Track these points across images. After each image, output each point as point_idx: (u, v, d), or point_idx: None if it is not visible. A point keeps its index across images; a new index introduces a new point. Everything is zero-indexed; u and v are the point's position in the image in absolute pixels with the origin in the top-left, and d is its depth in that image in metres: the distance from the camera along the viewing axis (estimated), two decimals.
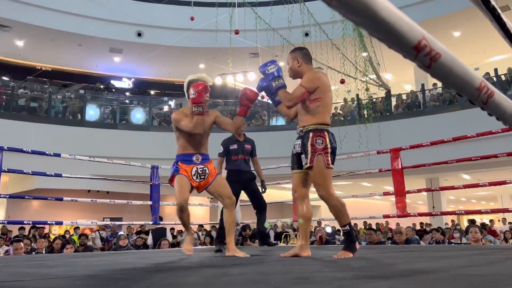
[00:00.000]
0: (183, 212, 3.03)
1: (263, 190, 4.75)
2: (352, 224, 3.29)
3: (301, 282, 1.45)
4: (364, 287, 1.31)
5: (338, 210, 2.67)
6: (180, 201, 2.97)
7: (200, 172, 3.07)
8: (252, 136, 4.88)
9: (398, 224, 10.99)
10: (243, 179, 4.46)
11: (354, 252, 2.65)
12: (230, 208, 3.08)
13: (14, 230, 9.60)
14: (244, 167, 4.52)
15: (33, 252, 6.25)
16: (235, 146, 4.49)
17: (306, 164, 2.70)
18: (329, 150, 2.66)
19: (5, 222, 5.63)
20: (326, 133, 2.69)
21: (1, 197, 4.22)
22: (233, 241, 3.11)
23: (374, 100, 12.62)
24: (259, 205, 4.64)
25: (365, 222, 12.35)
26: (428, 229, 10.48)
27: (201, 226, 10.77)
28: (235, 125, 3.14)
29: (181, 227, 11.30)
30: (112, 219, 13.22)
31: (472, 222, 9.77)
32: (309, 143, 2.69)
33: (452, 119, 10.88)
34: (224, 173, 4.43)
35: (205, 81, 3.07)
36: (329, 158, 2.65)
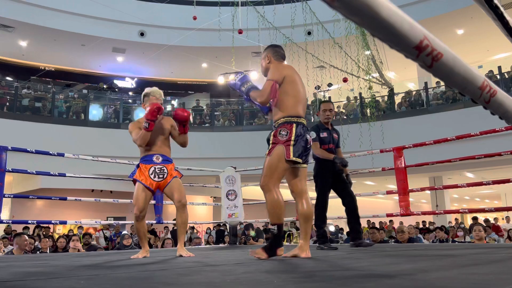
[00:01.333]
0: (138, 221, 3.18)
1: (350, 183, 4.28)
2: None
3: (304, 281, 1.46)
4: (366, 286, 1.31)
5: (270, 207, 2.55)
6: (135, 211, 3.15)
7: (158, 172, 3.20)
8: (254, 135, 4.88)
9: (401, 223, 10.97)
10: (335, 170, 4.04)
11: (271, 256, 2.49)
12: (180, 211, 3.25)
13: (19, 229, 9.64)
14: None
15: (38, 252, 6.28)
16: (325, 134, 4.09)
17: (266, 154, 2.65)
18: (292, 142, 2.54)
19: (10, 221, 5.64)
20: (294, 125, 2.58)
21: (6, 197, 4.24)
22: (183, 241, 3.32)
23: (377, 98, 12.60)
24: (351, 200, 4.08)
25: (368, 221, 12.33)
26: (431, 227, 10.45)
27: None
28: (182, 140, 3.40)
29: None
30: (115, 219, 13.27)
31: (474, 219, 9.73)
32: (272, 133, 2.66)
33: (456, 118, 10.86)
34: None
35: (157, 95, 3.43)
36: (291, 151, 2.53)
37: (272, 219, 2.56)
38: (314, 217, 3.63)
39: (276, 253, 2.52)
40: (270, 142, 2.65)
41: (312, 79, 10.71)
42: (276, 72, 2.65)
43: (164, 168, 3.24)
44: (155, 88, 3.47)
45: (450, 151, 7.46)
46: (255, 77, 16.11)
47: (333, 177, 4.06)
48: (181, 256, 3.14)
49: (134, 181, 3.27)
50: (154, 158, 3.25)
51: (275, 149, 2.58)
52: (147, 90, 3.46)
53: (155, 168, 3.21)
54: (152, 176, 3.19)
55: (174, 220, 3.53)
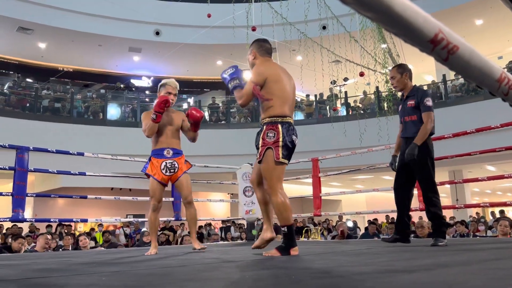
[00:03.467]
0: (154, 211, 3.33)
1: None
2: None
3: (322, 277, 1.46)
4: (385, 281, 1.31)
5: (278, 209, 2.57)
6: (154, 202, 3.32)
7: (169, 167, 3.34)
8: None
9: (420, 217, 10.84)
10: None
11: (285, 255, 2.50)
12: (187, 207, 3.40)
13: (42, 228, 9.87)
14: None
15: (60, 249, 6.42)
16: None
17: (257, 158, 2.67)
18: (281, 143, 2.55)
19: (33, 220, 5.79)
20: (279, 125, 2.57)
21: (28, 196, 4.35)
22: (194, 234, 3.49)
23: (394, 92, 12.44)
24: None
25: (387, 216, 12.22)
26: (451, 222, 10.30)
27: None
28: (192, 136, 3.50)
29: (201, 222, 11.43)
30: (135, 216, 13.45)
31: (501, 213, 9.52)
32: (260, 136, 2.66)
33: (475, 110, 10.65)
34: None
35: (172, 85, 3.47)
36: (280, 152, 2.55)
37: (281, 221, 2.58)
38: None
39: (290, 254, 2.53)
40: (259, 145, 2.65)
41: (327, 73, 10.64)
42: (257, 76, 2.60)
43: (175, 162, 3.36)
44: (171, 80, 3.55)
45: (470, 144, 7.32)
46: None
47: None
48: (194, 249, 3.36)
49: (148, 174, 3.40)
50: (165, 152, 3.36)
51: (266, 154, 2.59)
52: (163, 81, 3.53)
53: (166, 163, 3.34)
54: (164, 171, 3.33)
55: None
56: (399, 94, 3.54)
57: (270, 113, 2.61)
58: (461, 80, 12.17)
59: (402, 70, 3.52)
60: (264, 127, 2.64)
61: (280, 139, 2.56)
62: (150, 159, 3.40)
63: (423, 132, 3.22)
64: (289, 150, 2.60)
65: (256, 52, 2.77)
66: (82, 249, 5.71)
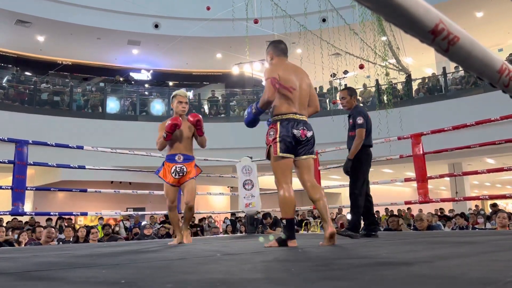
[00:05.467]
0: (171, 211, 3.75)
1: None
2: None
3: (321, 270, 1.46)
4: (384, 274, 1.31)
5: (280, 202, 2.71)
6: (168, 203, 3.72)
7: (178, 170, 3.67)
8: None
9: (420, 210, 10.88)
10: None
11: (283, 246, 2.62)
12: (186, 210, 3.70)
13: (42, 221, 9.89)
14: None
15: (60, 242, 6.44)
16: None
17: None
18: (278, 139, 2.72)
19: (33, 213, 5.79)
20: (278, 123, 2.75)
21: (28, 189, 4.36)
22: (186, 230, 3.82)
23: (394, 85, 12.41)
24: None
25: (386, 209, 12.26)
26: (451, 215, 10.33)
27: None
28: (200, 141, 3.83)
29: (201, 216, 11.46)
30: (135, 209, 13.48)
31: (494, 206, 9.55)
32: (266, 136, 2.86)
33: (475, 103, 10.63)
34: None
35: (182, 95, 3.77)
36: (278, 147, 2.72)
37: (283, 213, 2.71)
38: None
39: (288, 245, 2.64)
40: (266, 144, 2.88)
41: (327, 66, 10.60)
42: (270, 71, 2.77)
43: (184, 167, 3.67)
44: (181, 90, 3.88)
45: (469, 137, 7.32)
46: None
47: None
48: (180, 242, 3.69)
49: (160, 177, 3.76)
50: (176, 158, 3.68)
51: (270, 151, 2.80)
52: (174, 92, 3.84)
53: (176, 167, 3.66)
54: (173, 174, 3.66)
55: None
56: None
57: (274, 112, 2.79)
58: (461, 73, 12.14)
59: (350, 92, 4.07)
60: (268, 127, 2.86)
61: (277, 136, 2.73)
62: (163, 163, 3.75)
63: (354, 146, 3.77)
64: (289, 144, 2.72)
65: (272, 53, 2.95)
66: (90, 241, 5.73)
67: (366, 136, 3.79)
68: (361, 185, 3.79)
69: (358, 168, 3.80)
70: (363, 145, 3.77)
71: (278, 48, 2.94)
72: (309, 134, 2.78)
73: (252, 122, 2.93)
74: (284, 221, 2.69)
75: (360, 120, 3.76)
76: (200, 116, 3.70)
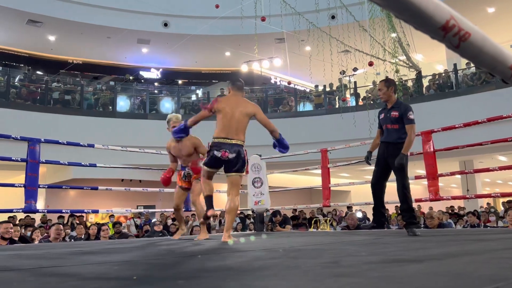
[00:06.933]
0: (176, 211, 4.44)
1: None
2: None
3: (331, 266, 1.46)
4: (393, 271, 1.31)
5: (202, 189, 3.65)
6: (174, 206, 4.38)
7: (186, 175, 4.28)
8: (279, 123, 4.87)
9: (431, 208, 10.80)
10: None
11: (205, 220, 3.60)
12: (194, 205, 4.32)
13: (54, 219, 10.00)
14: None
15: (72, 239, 6.51)
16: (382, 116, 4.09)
17: None
18: (207, 155, 3.53)
19: (45, 211, 5.86)
20: (209, 142, 3.50)
21: (40, 187, 4.41)
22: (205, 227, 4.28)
23: (404, 82, 12.31)
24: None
25: (396, 207, 12.17)
26: (462, 213, 10.24)
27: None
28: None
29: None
30: (145, 207, 13.56)
31: (509, 203, 9.44)
32: None
33: (487, 99, 10.49)
34: None
35: (174, 119, 4.30)
36: (204, 159, 3.58)
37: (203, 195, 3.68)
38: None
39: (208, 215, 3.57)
40: None
41: (336, 64, 10.55)
42: (211, 104, 3.55)
43: (190, 171, 4.25)
44: (172, 114, 4.44)
45: (481, 134, 7.24)
46: (279, 64, 16.04)
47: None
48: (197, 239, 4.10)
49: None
50: (187, 168, 4.31)
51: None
52: (168, 117, 4.40)
53: (184, 172, 4.30)
54: (183, 179, 4.30)
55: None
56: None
57: (214, 136, 3.50)
58: (473, 69, 12.00)
59: (388, 84, 4.00)
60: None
61: (208, 151, 3.55)
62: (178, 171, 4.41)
63: (408, 142, 3.74)
64: (210, 158, 3.46)
65: (230, 89, 3.68)
66: (102, 239, 5.79)
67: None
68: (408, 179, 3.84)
69: (406, 163, 3.79)
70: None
71: (235, 86, 3.65)
72: (231, 155, 3.38)
73: (177, 132, 3.86)
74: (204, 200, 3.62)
75: (411, 116, 3.76)
76: (199, 167, 4.06)
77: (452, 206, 12.49)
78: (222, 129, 3.43)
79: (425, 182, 4.83)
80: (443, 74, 12.91)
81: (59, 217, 9.71)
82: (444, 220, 7.39)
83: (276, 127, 3.61)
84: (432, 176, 4.64)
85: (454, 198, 5.50)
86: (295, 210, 10.98)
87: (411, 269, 1.33)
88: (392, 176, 3.94)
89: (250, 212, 10.09)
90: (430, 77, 12.82)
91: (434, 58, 15.90)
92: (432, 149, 4.68)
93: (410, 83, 12.95)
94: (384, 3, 0.70)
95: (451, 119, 8.12)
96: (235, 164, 3.43)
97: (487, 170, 4.78)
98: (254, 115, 3.51)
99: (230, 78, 3.83)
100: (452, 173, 4.91)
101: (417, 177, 5.49)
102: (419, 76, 12.71)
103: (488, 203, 14.36)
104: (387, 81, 4.02)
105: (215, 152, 3.41)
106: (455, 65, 12.32)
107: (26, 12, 12.95)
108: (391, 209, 12.32)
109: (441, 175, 4.73)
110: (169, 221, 9.16)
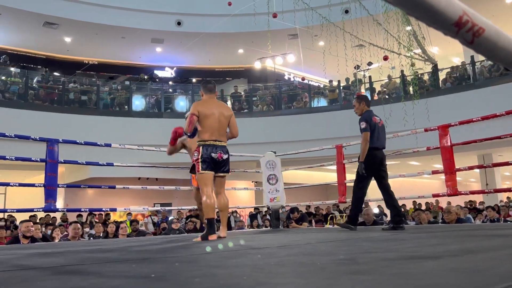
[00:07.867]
0: (200, 211, 4.20)
1: None
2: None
3: (347, 263, 1.46)
4: (410, 267, 1.30)
5: (204, 206, 3.48)
6: (197, 205, 4.37)
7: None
8: (293, 119, 4.88)
9: (449, 203, 10.64)
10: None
11: (205, 240, 3.31)
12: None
13: (73, 217, 10.17)
14: None
15: (91, 238, 6.62)
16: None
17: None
18: (200, 160, 3.48)
19: (65, 210, 5.98)
20: (201, 147, 3.52)
21: (60, 187, 4.50)
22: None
23: (420, 75, 12.15)
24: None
25: (414, 202, 12.05)
26: (481, 207, 10.08)
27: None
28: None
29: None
30: (162, 205, 13.70)
31: None
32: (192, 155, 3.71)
33: (505, 92, 10.29)
34: None
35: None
36: (200, 166, 3.50)
37: (205, 215, 3.45)
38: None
39: (208, 239, 3.31)
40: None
41: (351, 58, 10.46)
42: (192, 108, 3.55)
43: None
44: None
45: (500, 127, 7.11)
46: (292, 60, 15.98)
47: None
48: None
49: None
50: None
51: (196, 167, 3.55)
52: (186, 114, 4.23)
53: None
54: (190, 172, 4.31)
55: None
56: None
57: (199, 138, 3.57)
58: (490, 61, 11.77)
59: (359, 100, 4.33)
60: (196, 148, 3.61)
61: (199, 157, 3.50)
62: None
63: (361, 150, 4.08)
64: (209, 163, 3.49)
65: (203, 91, 3.76)
66: (120, 237, 5.87)
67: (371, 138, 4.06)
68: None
69: (361, 170, 4.14)
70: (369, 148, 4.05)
71: (207, 88, 3.73)
72: (224, 156, 3.57)
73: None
74: (205, 220, 3.45)
75: (362, 125, 4.07)
76: (176, 129, 3.90)
77: (471, 201, 12.29)
78: (212, 132, 3.54)
79: (443, 176, 4.77)
80: (460, 67, 12.69)
81: (78, 216, 9.89)
82: (463, 215, 7.29)
83: (236, 136, 3.79)
84: (450, 170, 4.58)
85: (472, 192, 5.42)
86: (309, 206, 10.97)
87: (428, 266, 1.32)
88: (391, 176, 4.22)
89: (265, 209, 10.12)
90: (448, 70, 12.61)
91: (450, 51, 15.64)
92: (449, 144, 4.61)
93: (426, 77, 12.76)
94: (395, 1, 0.70)
95: (468, 112, 7.99)
96: (226, 164, 3.63)
97: (507, 164, 4.69)
98: (230, 116, 3.68)
99: (202, 83, 3.89)
100: (470, 168, 4.83)
101: (434, 172, 5.43)
102: (435, 70, 12.52)
103: (508, 197, 14.08)
104: (358, 98, 4.37)
105: (212, 154, 3.51)
106: (472, 57, 12.10)
107: (42, 14, 13.18)
108: (408, 204, 12.20)
109: (459, 169, 4.67)
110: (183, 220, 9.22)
